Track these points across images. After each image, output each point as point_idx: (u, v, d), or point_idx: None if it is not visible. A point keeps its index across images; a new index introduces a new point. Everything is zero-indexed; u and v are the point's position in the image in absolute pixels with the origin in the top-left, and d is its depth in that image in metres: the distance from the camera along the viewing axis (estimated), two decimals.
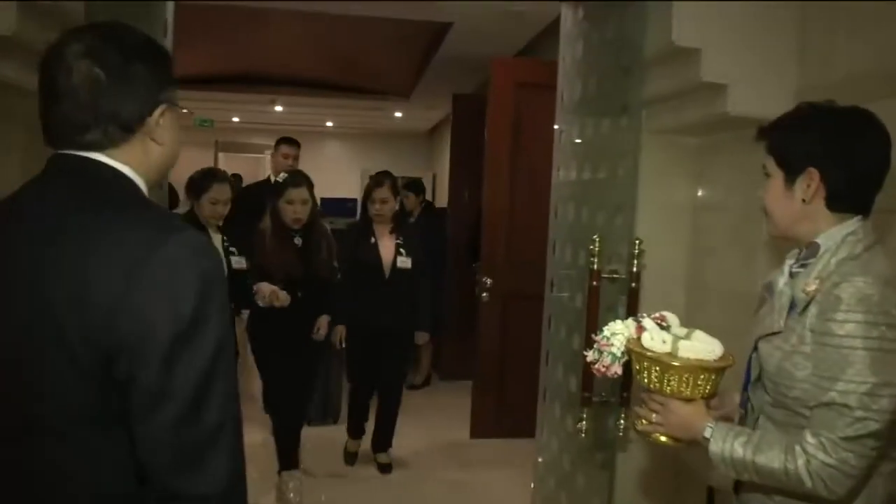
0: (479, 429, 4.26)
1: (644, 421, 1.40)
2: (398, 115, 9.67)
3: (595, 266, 2.14)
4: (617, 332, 1.42)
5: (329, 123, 11.37)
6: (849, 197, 1.21)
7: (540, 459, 2.88)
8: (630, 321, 1.43)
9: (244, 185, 6.43)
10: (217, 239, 3.05)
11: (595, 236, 2.17)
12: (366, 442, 3.83)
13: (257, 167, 11.41)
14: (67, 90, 0.96)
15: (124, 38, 1.01)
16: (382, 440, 3.80)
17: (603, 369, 1.46)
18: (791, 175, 1.22)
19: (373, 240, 3.60)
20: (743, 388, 1.37)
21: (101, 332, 0.89)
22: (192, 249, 0.94)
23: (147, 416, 0.91)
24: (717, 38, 2.04)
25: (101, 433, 0.94)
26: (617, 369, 1.45)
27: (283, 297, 2.98)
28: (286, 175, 3.17)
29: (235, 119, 11.10)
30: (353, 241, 3.58)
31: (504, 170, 4.17)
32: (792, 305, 1.24)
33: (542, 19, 4.31)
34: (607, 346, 1.43)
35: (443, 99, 6.97)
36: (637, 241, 2.17)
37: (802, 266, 1.25)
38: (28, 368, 0.93)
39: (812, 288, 1.18)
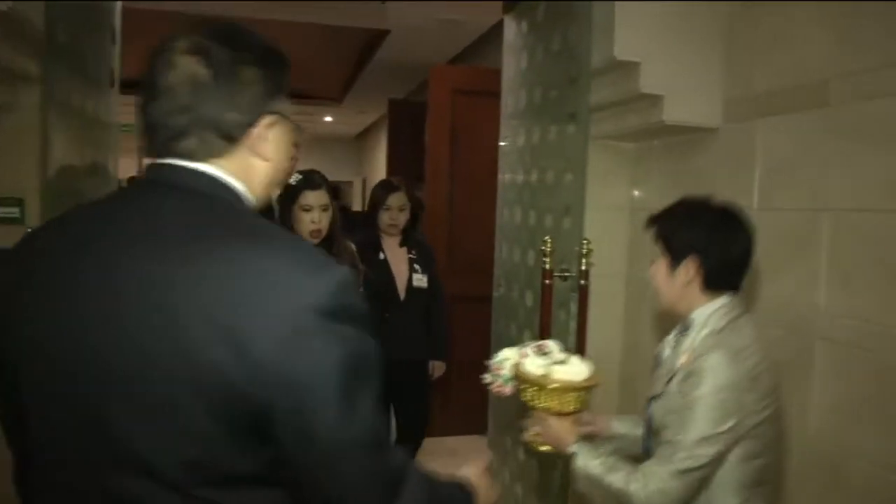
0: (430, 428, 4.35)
1: (529, 433, 1.63)
2: (328, 119, 9.65)
3: (548, 265, 2.27)
4: (507, 359, 1.65)
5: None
6: (722, 280, 1.44)
7: (493, 455, 3.00)
8: (516, 349, 1.66)
9: None
10: None
11: (546, 237, 2.30)
12: None
13: None
14: (165, 88, 0.85)
15: (239, 38, 0.90)
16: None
17: (497, 389, 1.67)
18: (675, 261, 1.45)
19: (381, 255, 3.07)
20: (643, 437, 1.62)
21: (256, 381, 0.75)
22: (346, 286, 0.81)
23: (334, 467, 0.79)
24: (654, 53, 2.21)
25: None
26: (508, 389, 1.66)
27: None
28: (300, 175, 2.53)
29: None
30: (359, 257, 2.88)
31: (443, 175, 4.28)
32: (671, 372, 1.49)
33: (478, 28, 4.46)
34: (499, 370, 1.65)
35: (375, 104, 7.04)
36: (585, 241, 2.31)
37: (681, 337, 1.50)
38: (152, 409, 0.77)
39: (683, 360, 1.43)
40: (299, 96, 7.91)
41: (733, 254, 1.42)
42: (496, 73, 3.09)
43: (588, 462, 1.43)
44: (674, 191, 2.55)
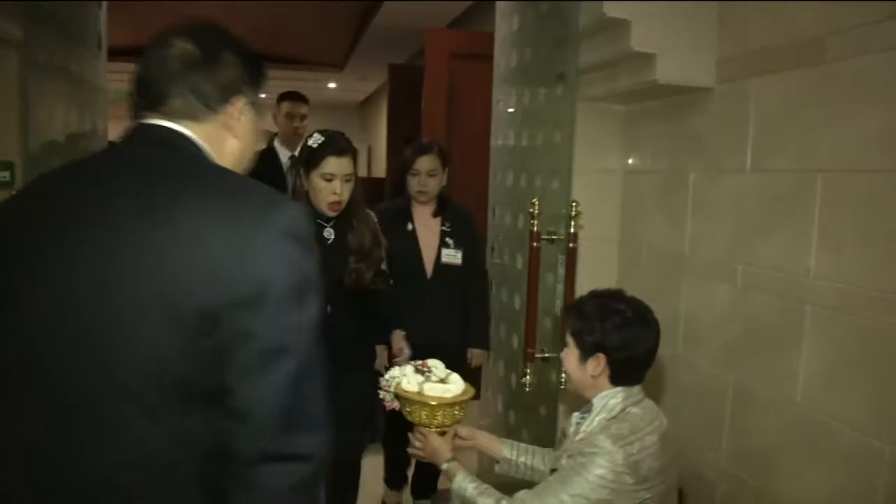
0: None
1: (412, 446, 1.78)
2: (332, 85, 9.57)
3: (535, 228, 2.24)
4: (394, 377, 1.78)
5: (261, 95, 11.14)
6: (627, 375, 1.53)
7: (486, 419, 3.01)
8: (404, 367, 1.79)
9: None
10: None
11: (534, 199, 2.27)
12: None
13: None
14: (161, 59, 1.03)
15: (224, 33, 1.10)
16: (425, 484, 2.98)
17: (387, 404, 1.83)
18: (584, 355, 1.53)
19: (410, 226, 2.73)
20: None
21: (210, 291, 0.89)
22: (297, 217, 0.98)
23: (261, 374, 0.91)
24: (646, 10, 2.15)
25: (187, 413, 0.92)
26: (396, 404, 1.80)
27: None
28: (321, 137, 2.14)
29: None
30: (384, 228, 2.47)
31: (440, 139, 4.23)
32: (567, 450, 1.60)
33: None
34: (387, 387, 1.80)
35: (377, 70, 6.96)
36: (574, 204, 2.28)
37: (583, 419, 1.60)
38: (124, 334, 0.90)
39: (579, 439, 1.56)
40: (300, 62, 7.83)
41: (638, 353, 1.51)
42: (492, 37, 3.03)
43: (464, 484, 1.58)
44: (668, 153, 2.53)
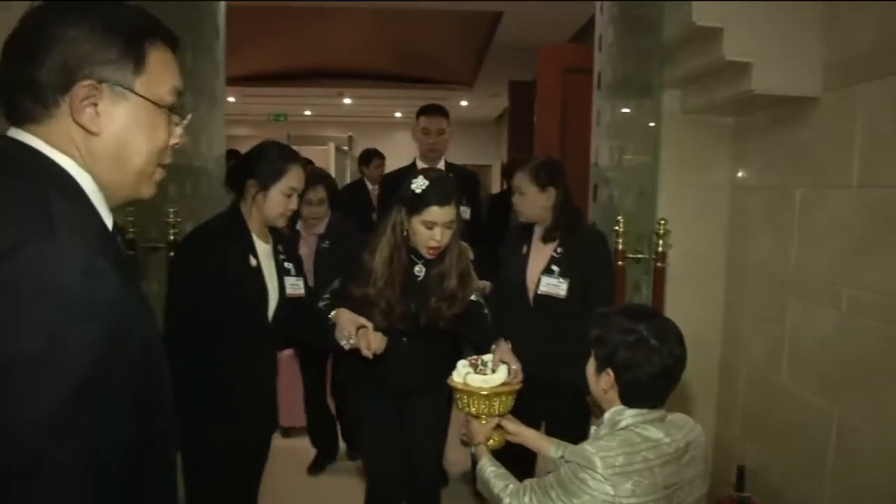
0: None
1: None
2: (464, 103, 9.78)
3: (620, 246, 2.18)
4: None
5: (398, 114, 11.60)
6: (635, 396, 1.44)
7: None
8: (462, 361, 1.87)
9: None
10: (266, 250, 2.03)
11: (619, 217, 2.21)
12: None
13: (321, 158, 11.83)
14: (3, 55, 0.85)
15: (75, 4, 0.86)
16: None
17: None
18: (599, 369, 1.48)
19: (524, 250, 2.42)
20: None
21: None
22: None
23: None
24: (738, 16, 2.04)
25: None
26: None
27: (378, 342, 1.97)
28: (426, 182, 2.03)
29: (307, 112, 11.50)
30: (507, 246, 2.35)
31: (553, 153, 4.20)
32: None
33: (591, 7, 4.31)
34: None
35: (504, 87, 7.04)
36: (662, 222, 2.19)
37: (596, 431, 1.54)
38: None
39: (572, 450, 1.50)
40: (432, 81, 8.09)
41: (644, 375, 1.41)
42: None
43: (485, 466, 1.64)
44: (774, 168, 2.36)
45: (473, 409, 1.78)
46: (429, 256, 2.06)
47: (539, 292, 2.30)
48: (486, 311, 2.20)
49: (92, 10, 0.85)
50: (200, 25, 2.61)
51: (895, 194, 1.76)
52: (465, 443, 1.85)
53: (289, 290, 2.07)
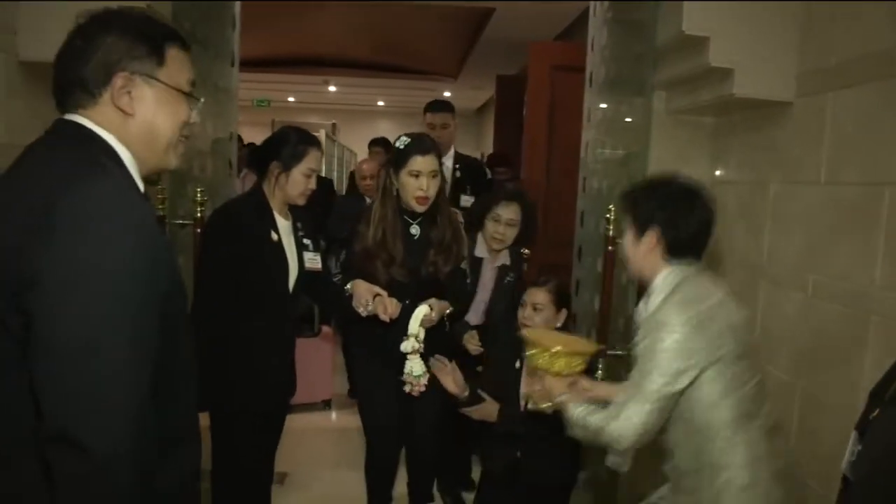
0: None
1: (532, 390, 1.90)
2: (447, 94, 9.92)
3: (611, 233, 2.38)
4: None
5: (380, 103, 11.70)
6: (681, 249, 1.57)
7: None
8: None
9: None
10: (286, 226, 2.21)
11: (611, 206, 2.40)
12: None
13: None
14: (58, 58, 1.10)
15: (106, 15, 1.11)
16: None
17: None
18: (639, 232, 1.59)
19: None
20: None
21: (9, 268, 0.94)
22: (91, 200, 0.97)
23: (44, 350, 0.94)
24: (724, 27, 2.24)
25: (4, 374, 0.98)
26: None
27: (394, 307, 2.19)
28: (408, 139, 2.31)
29: (291, 99, 11.53)
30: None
31: (541, 149, 4.39)
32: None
33: (579, 5, 4.50)
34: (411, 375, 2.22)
35: (488, 80, 7.21)
36: None
37: (647, 300, 1.65)
38: None
39: (643, 319, 1.61)
40: (416, 71, 8.22)
41: (689, 227, 1.55)
42: None
43: (575, 410, 1.65)
44: (751, 165, 2.58)
45: (556, 368, 1.81)
46: (419, 208, 2.28)
47: None
48: (467, 279, 2.53)
49: (125, 20, 1.11)
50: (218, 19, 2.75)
51: (858, 191, 1.98)
52: (530, 403, 1.92)
53: (307, 264, 2.25)
